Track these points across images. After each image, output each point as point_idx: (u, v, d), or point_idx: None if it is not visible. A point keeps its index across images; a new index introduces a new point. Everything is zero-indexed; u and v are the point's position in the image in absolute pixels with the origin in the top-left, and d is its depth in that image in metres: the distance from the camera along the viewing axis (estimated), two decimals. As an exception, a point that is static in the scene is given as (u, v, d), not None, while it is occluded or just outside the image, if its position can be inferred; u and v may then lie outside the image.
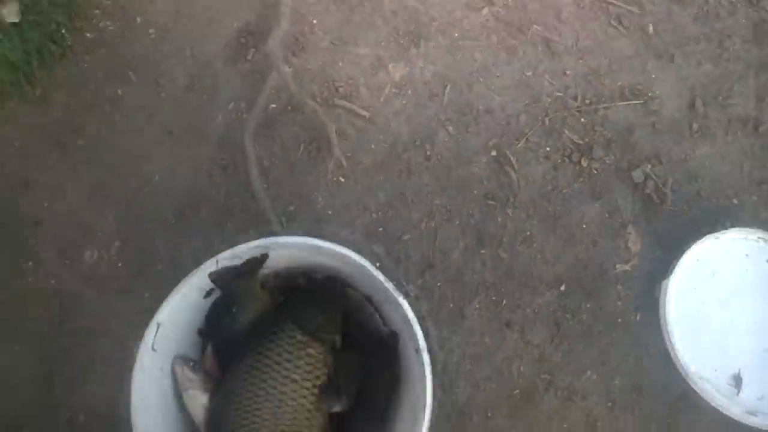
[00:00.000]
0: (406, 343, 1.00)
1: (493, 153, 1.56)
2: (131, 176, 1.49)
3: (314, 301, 1.19)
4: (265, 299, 1.20)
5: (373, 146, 1.58)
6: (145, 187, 1.48)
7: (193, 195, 1.49)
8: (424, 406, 0.89)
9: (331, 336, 1.15)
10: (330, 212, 1.50)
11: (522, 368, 1.43)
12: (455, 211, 1.52)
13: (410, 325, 0.94)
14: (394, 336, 1.17)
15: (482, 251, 1.49)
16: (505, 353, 1.43)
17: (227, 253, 1.00)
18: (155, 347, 0.98)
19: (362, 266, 0.98)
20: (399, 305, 0.96)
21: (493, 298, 1.46)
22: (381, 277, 0.98)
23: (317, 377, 1.10)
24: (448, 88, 1.63)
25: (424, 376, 0.91)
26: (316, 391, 1.08)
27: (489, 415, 1.40)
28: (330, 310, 1.19)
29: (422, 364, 0.92)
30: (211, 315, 1.14)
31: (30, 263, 1.41)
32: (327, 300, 1.21)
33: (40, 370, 1.34)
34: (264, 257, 1.08)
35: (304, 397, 1.07)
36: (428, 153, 1.58)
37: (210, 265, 1.01)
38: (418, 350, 0.94)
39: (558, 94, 1.61)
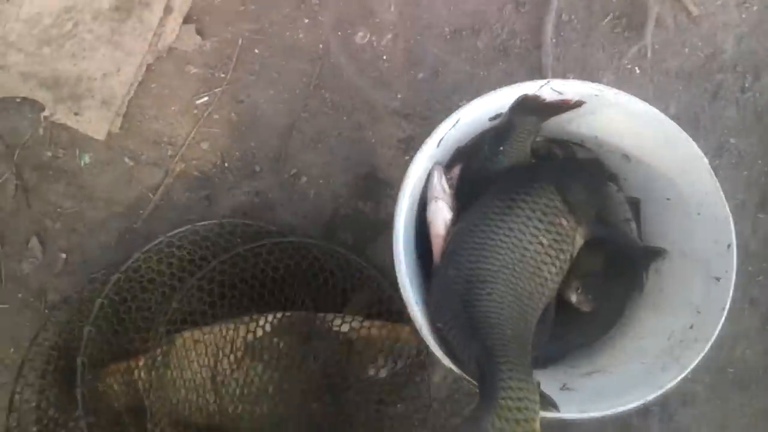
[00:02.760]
0: (702, 267, 0.84)
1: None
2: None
3: (581, 176, 1.05)
4: (528, 151, 1.07)
5: (686, 50, 1.32)
6: (437, -9, 1.34)
7: (478, 19, 1.33)
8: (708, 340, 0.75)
9: (586, 217, 1.02)
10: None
11: None
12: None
13: (728, 251, 0.77)
14: (651, 254, 1.01)
15: None
16: None
17: (555, 82, 0.85)
18: (441, 143, 0.88)
19: (697, 157, 0.80)
20: (720, 221, 0.79)
21: None
22: (712, 179, 0.79)
23: (562, 252, 0.99)
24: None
25: (721, 309, 0.76)
26: (557, 264, 0.97)
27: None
28: (594, 192, 1.05)
29: (724, 295, 0.76)
30: (484, 138, 1.03)
31: (306, 20, 1.34)
32: (594, 181, 1.06)
33: (283, 120, 1.33)
34: (578, 104, 0.92)
35: (545, 263, 0.97)
36: (746, 86, 1.30)
37: (530, 86, 0.87)
38: (721, 279, 0.78)
39: None
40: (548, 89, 0.88)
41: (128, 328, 1.04)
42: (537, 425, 0.70)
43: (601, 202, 1.08)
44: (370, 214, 1.29)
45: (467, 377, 0.80)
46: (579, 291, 0.98)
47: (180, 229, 1.18)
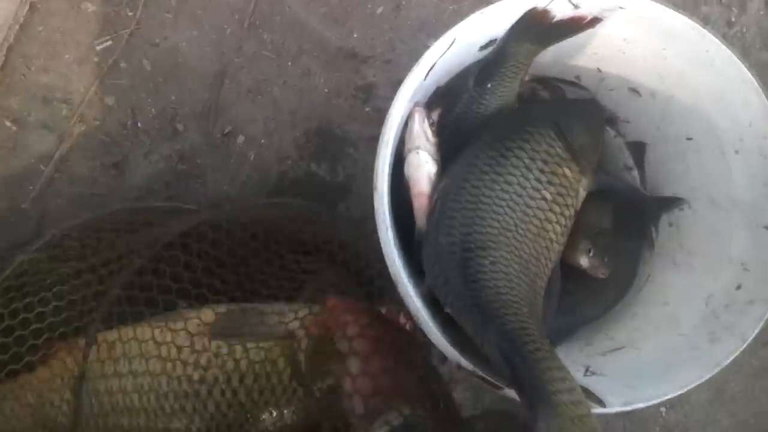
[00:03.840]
0: (744, 215, 0.68)
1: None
2: None
3: (582, 117, 0.86)
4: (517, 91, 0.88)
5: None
6: None
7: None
8: None
9: (590, 164, 0.85)
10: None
11: None
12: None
13: None
14: (664, 205, 0.86)
15: None
16: None
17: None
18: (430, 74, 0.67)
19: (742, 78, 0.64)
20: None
21: None
22: (762, 103, 0.63)
23: (567, 207, 0.81)
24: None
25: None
26: (563, 221, 0.79)
27: None
28: (596, 131, 0.88)
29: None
30: (467, 74, 0.83)
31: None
32: (594, 118, 0.88)
33: (212, 67, 1.07)
34: (594, 23, 0.73)
35: (550, 222, 0.79)
36: (732, 20, 1.17)
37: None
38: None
39: None
40: (562, 3, 0.68)
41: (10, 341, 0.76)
42: (595, 423, 0.52)
43: (602, 148, 0.92)
44: (326, 177, 1.06)
45: (481, 375, 0.60)
46: (591, 253, 0.81)
47: (79, 220, 0.90)
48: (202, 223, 0.82)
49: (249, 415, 0.78)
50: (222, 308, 0.79)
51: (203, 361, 0.77)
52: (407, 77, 0.67)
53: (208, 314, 0.76)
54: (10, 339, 0.77)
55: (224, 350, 0.77)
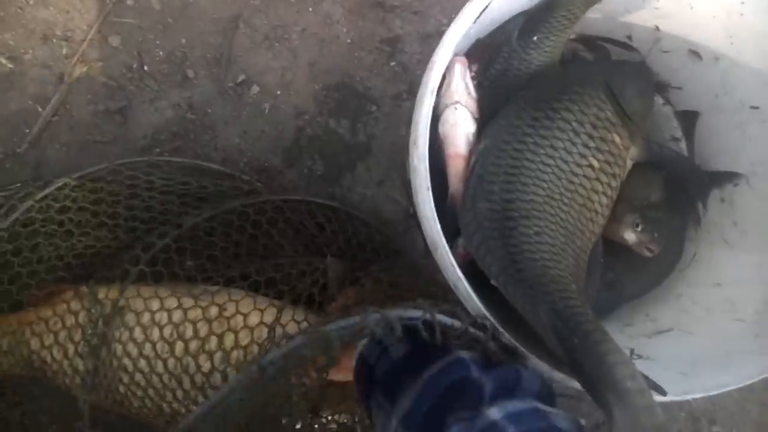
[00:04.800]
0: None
1: None
2: None
3: (632, 77, 0.78)
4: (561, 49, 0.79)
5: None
6: None
7: None
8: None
9: (639, 132, 0.77)
10: None
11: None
12: None
13: None
14: (717, 179, 0.79)
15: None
16: None
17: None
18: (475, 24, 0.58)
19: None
20: None
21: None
22: None
23: (614, 177, 0.74)
24: None
25: None
26: (609, 192, 0.72)
27: None
28: (647, 97, 0.80)
29: None
30: (509, 26, 0.74)
31: None
32: (645, 83, 0.80)
33: (226, 9, 0.97)
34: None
35: (597, 192, 0.71)
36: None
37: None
38: None
39: None
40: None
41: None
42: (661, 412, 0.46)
43: (652, 117, 0.84)
44: (346, 136, 0.97)
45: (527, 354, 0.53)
46: (639, 228, 0.74)
47: (92, 169, 0.82)
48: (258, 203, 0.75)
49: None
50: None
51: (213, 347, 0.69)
52: (459, 16, 0.58)
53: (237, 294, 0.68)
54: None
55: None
